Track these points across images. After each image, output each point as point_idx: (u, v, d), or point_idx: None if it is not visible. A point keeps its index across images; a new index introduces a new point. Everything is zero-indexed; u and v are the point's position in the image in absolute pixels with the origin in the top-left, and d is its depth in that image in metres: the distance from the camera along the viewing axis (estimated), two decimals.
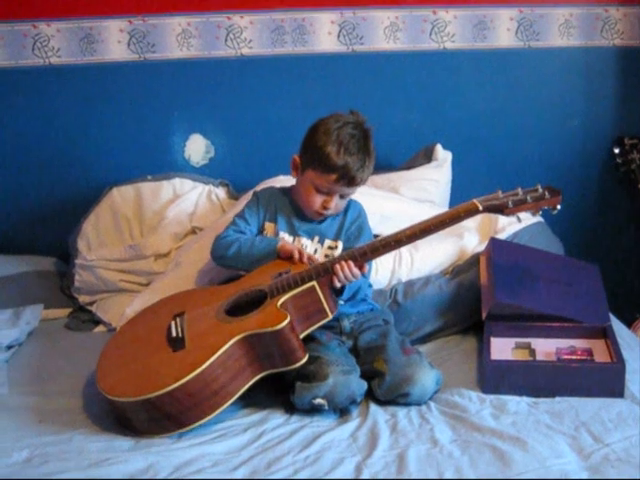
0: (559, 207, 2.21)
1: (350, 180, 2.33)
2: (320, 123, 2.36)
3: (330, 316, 2.19)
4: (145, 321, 2.39)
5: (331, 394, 2.09)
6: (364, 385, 2.16)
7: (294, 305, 2.16)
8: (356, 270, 2.21)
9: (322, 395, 2.09)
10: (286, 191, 2.54)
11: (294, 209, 2.48)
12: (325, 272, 2.20)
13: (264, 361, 2.11)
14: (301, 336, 2.15)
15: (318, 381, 2.10)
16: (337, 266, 2.20)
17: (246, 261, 2.38)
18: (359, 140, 2.33)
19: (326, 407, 2.11)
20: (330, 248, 2.46)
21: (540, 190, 2.20)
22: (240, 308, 2.22)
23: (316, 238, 2.46)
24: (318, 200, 2.38)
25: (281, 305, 2.14)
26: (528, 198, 2.19)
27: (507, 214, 2.21)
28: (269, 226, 2.48)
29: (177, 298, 2.45)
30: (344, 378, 2.11)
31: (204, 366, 2.03)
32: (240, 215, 2.52)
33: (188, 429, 2.04)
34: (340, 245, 2.46)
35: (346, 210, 2.50)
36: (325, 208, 2.39)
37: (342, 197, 2.40)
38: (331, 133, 2.31)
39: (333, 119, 2.35)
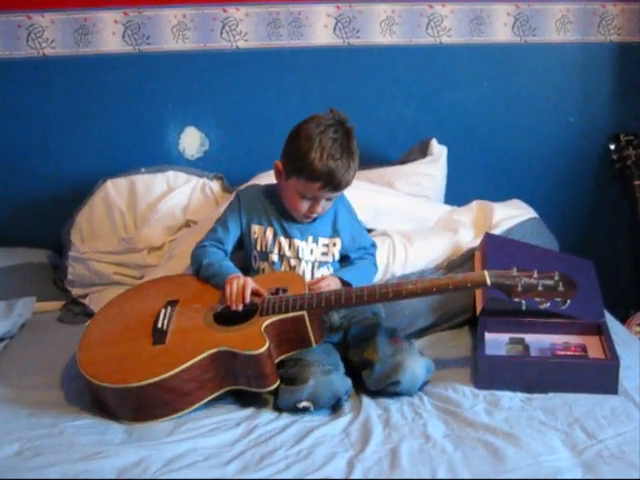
0: (569, 302, 2.13)
1: (336, 185, 2.29)
2: (300, 128, 2.30)
3: (314, 346, 2.18)
4: (141, 297, 2.42)
5: (314, 395, 2.09)
6: (348, 383, 2.16)
7: (279, 329, 2.16)
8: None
9: (305, 397, 2.09)
10: (272, 190, 2.48)
11: (281, 210, 2.43)
12: (318, 306, 2.17)
13: (235, 378, 2.12)
14: (279, 359, 2.15)
15: (299, 384, 2.10)
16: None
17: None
18: (342, 143, 2.27)
19: (312, 409, 2.10)
20: (326, 246, 2.44)
21: (556, 278, 2.11)
22: (229, 315, 2.22)
23: (310, 238, 2.43)
24: (304, 206, 2.34)
25: (266, 327, 2.13)
26: (540, 285, 2.10)
27: (513, 298, 2.14)
28: (258, 229, 2.44)
29: (179, 282, 2.46)
30: (325, 378, 2.11)
31: (171, 373, 2.06)
32: (220, 220, 2.49)
33: (149, 423, 2.08)
34: (339, 243, 2.44)
35: (335, 207, 2.45)
36: (312, 212, 2.36)
37: (329, 199, 2.36)
38: (313, 139, 2.25)
39: (314, 123, 2.28)
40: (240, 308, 2.21)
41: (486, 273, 2.14)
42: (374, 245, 2.58)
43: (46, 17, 3.07)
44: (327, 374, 2.12)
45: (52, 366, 2.39)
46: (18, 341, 2.61)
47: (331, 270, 2.44)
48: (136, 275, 2.89)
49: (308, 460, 1.87)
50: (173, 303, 2.30)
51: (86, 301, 2.92)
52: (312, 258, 2.42)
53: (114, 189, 3.00)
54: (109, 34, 3.10)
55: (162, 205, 2.93)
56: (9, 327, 2.61)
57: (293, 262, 2.41)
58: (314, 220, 2.43)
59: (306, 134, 2.27)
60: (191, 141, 3.20)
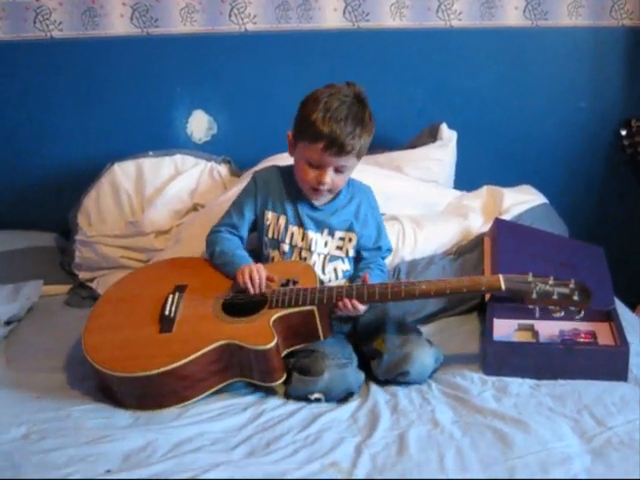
0: (582, 314, 2.09)
1: (339, 148, 2.19)
2: (311, 94, 2.26)
3: (322, 340, 2.16)
4: (150, 279, 2.41)
5: (327, 389, 2.08)
6: (361, 377, 2.15)
7: (288, 322, 2.14)
8: (360, 306, 2.15)
9: (318, 390, 2.08)
10: (289, 171, 2.40)
11: (298, 194, 2.37)
12: (328, 302, 2.14)
13: (242, 370, 2.11)
14: (286, 352, 2.14)
15: (314, 376, 2.08)
16: (340, 303, 2.14)
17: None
18: (349, 107, 2.21)
19: (323, 400, 2.09)
20: (342, 239, 2.38)
21: (571, 287, 2.07)
22: (238, 305, 2.20)
23: (325, 231, 2.37)
24: (312, 174, 2.26)
25: (274, 321, 2.11)
26: (555, 293, 2.06)
27: (527, 304, 2.11)
28: (272, 216, 2.38)
29: (188, 265, 2.44)
30: (340, 372, 2.09)
31: (177, 364, 2.04)
32: (235, 204, 2.44)
33: (155, 412, 2.06)
34: (355, 239, 2.38)
35: (356, 197, 2.41)
36: (320, 183, 2.26)
37: (338, 171, 2.27)
38: (320, 101, 2.20)
39: (325, 89, 2.25)
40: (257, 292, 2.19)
41: (501, 277, 2.11)
42: (390, 250, 2.52)
43: None
44: (342, 368, 2.10)
45: (59, 349, 2.39)
46: (25, 324, 2.61)
47: (346, 265, 2.39)
48: (143, 259, 2.88)
49: (315, 445, 1.87)
50: (181, 288, 2.28)
51: (93, 285, 2.91)
52: (325, 251, 2.37)
53: (121, 172, 2.99)
54: (117, 16, 3.09)
55: (169, 189, 2.93)
56: (16, 310, 2.61)
57: (304, 254, 2.36)
58: (333, 211, 2.37)
59: (314, 98, 2.24)
60: (199, 125, 3.19)
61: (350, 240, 2.39)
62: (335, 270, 2.38)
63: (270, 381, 2.10)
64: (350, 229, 2.39)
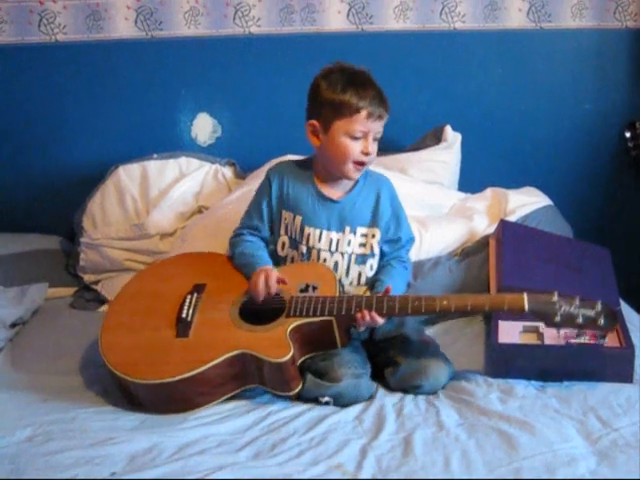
0: (607, 340, 2.03)
1: (380, 110, 2.22)
2: (320, 78, 2.26)
3: (339, 348, 2.15)
4: (169, 274, 2.39)
5: (339, 395, 2.07)
6: (373, 388, 2.14)
7: (305, 331, 2.12)
8: (379, 319, 2.12)
9: (330, 394, 2.07)
10: (307, 164, 2.38)
11: (315, 189, 2.34)
12: (347, 313, 2.11)
13: (257, 378, 2.09)
14: (302, 359, 2.12)
15: (330, 381, 2.07)
16: (359, 315, 2.11)
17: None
18: (360, 73, 2.26)
19: (331, 404, 2.08)
20: (364, 236, 2.33)
21: (598, 309, 1.99)
22: (256, 311, 2.18)
23: (347, 229, 2.32)
24: (356, 148, 2.23)
25: (291, 331, 2.09)
26: (580, 316, 1.99)
27: (549, 326, 2.04)
28: (288, 215, 2.34)
29: (208, 261, 2.41)
30: (355, 382, 2.09)
31: (193, 372, 2.03)
32: (254, 205, 2.40)
33: (169, 416, 2.05)
34: (378, 234, 2.34)
35: (374, 188, 2.37)
36: (366, 154, 2.24)
37: (374, 140, 2.27)
38: (338, 80, 2.22)
39: (326, 71, 2.27)
40: (261, 299, 2.18)
41: (525, 297, 2.04)
42: (412, 240, 2.46)
43: (58, 3, 3.08)
44: (357, 378, 2.09)
45: (64, 352, 2.39)
46: (30, 327, 2.62)
47: (374, 267, 2.36)
48: (148, 261, 2.89)
49: (321, 447, 1.86)
50: (200, 288, 2.26)
51: (98, 287, 2.92)
52: (349, 250, 2.32)
53: (126, 175, 3.00)
54: (121, 20, 3.10)
55: (174, 191, 2.93)
56: (21, 313, 2.61)
57: (324, 255, 2.31)
58: (352, 204, 2.33)
59: (327, 80, 2.24)
60: (203, 127, 3.19)
61: (374, 236, 2.34)
62: (360, 274, 2.34)
63: (287, 390, 2.08)
64: (372, 224, 2.35)
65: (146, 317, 2.21)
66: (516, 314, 2.11)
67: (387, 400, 2.09)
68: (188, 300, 2.22)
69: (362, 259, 2.34)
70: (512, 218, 2.79)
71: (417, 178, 2.98)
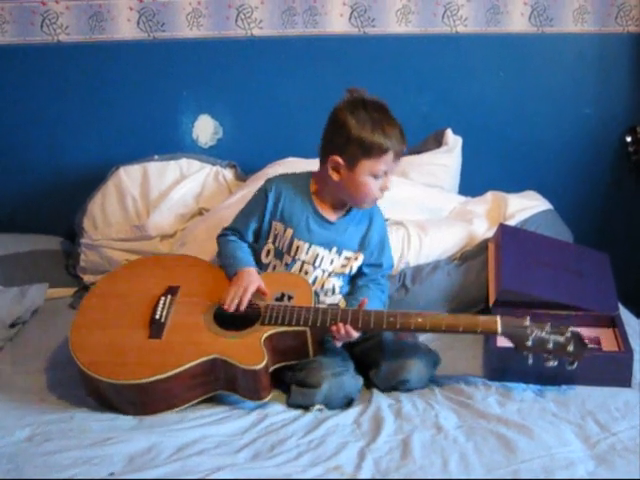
0: (575, 365, 2.05)
1: (402, 148, 2.27)
2: (346, 114, 2.23)
3: (311, 358, 2.15)
4: (143, 275, 2.36)
5: (327, 398, 2.08)
6: (358, 382, 2.15)
7: (279, 340, 2.12)
8: (354, 333, 2.13)
9: (318, 401, 2.08)
10: (306, 180, 2.39)
11: (313, 207, 2.35)
12: (322, 325, 2.11)
13: (227, 382, 2.09)
14: (274, 368, 2.12)
15: (312, 387, 2.08)
16: (334, 328, 2.12)
17: None
18: (383, 111, 2.25)
19: (325, 411, 2.08)
20: (347, 259, 2.35)
21: (567, 335, 2.04)
22: (230, 316, 2.18)
23: (334, 249, 2.34)
24: (377, 186, 2.26)
25: (265, 339, 2.09)
26: (550, 342, 2.03)
27: (521, 351, 2.06)
28: (280, 226, 2.34)
29: (182, 264, 2.41)
30: (337, 380, 2.09)
31: (164, 375, 2.03)
32: (244, 212, 2.41)
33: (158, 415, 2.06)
34: (361, 258, 2.36)
35: (367, 215, 2.39)
36: (384, 190, 2.29)
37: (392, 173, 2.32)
38: (367, 118, 2.20)
39: (353, 104, 2.24)
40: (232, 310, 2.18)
41: (498, 320, 2.08)
42: (391, 267, 2.50)
43: (61, 3, 3.07)
44: (338, 376, 2.10)
45: (63, 352, 2.38)
46: (30, 327, 2.62)
47: (340, 282, 2.37)
48: None
49: (319, 449, 1.87)
50: (174, 290, 2.25)
51: None
52: (330, 268, 2.34)
53: (127, 176, 3.00)
54: (124, 21, 3.10)
55: (175, 193, 2.93)
56: (21, 313, 2.62)
57: (307, 267, 2.32)
58: (345, 228, 2.36)
59: (354, 117, 2.22)
60: (205, 129, 3.19)
61: (356, 259, 2.37)
62: (334, 287, 2.36)
63: (256, 399, 2.08)
64: (359, 250, 2.37)
65: (119, 316, 2.20)
66: (489, 335, 2.16)
67: (384, 402, 2.09)
68: (162, 301, 2.22)
69: (338, 276, 2.36)
70: (512, 222, 2.79)
71: (417, 181, 2.98)
